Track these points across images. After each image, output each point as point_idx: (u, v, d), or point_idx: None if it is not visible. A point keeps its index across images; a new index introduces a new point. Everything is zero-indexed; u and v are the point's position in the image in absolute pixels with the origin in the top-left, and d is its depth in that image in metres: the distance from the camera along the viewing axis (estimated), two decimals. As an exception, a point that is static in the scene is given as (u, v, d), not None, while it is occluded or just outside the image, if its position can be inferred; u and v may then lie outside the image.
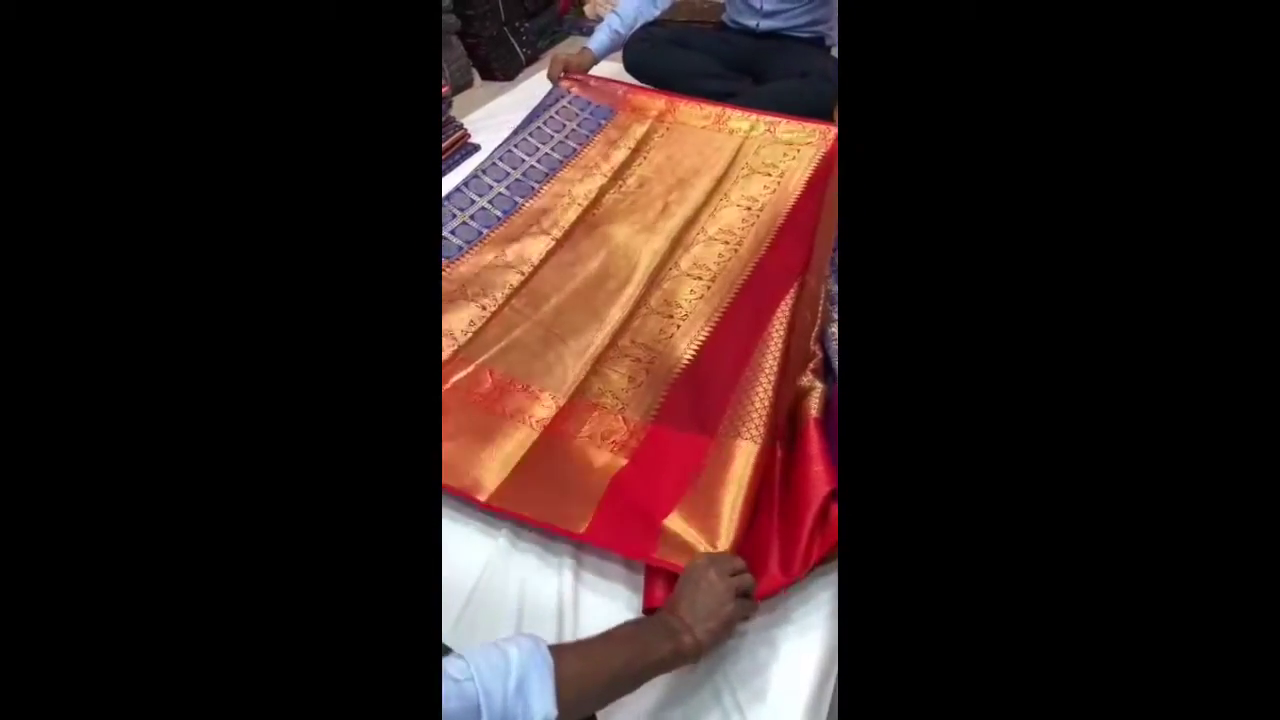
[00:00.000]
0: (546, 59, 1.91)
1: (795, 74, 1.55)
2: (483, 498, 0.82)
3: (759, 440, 0.82)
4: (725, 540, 0.73)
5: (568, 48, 2.23)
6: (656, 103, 1.49)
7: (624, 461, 0.86)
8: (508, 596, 0.76)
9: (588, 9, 2.43)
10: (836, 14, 1.66)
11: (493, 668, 0.51)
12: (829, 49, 1.70)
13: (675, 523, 0.75)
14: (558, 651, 0.55)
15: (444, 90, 1.52)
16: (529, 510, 0.80)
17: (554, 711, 0.52)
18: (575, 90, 1.53)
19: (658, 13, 1.67)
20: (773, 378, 0.88)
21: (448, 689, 0.48)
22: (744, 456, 0.81)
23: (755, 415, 0.85)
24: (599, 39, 1.63)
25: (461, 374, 0.97)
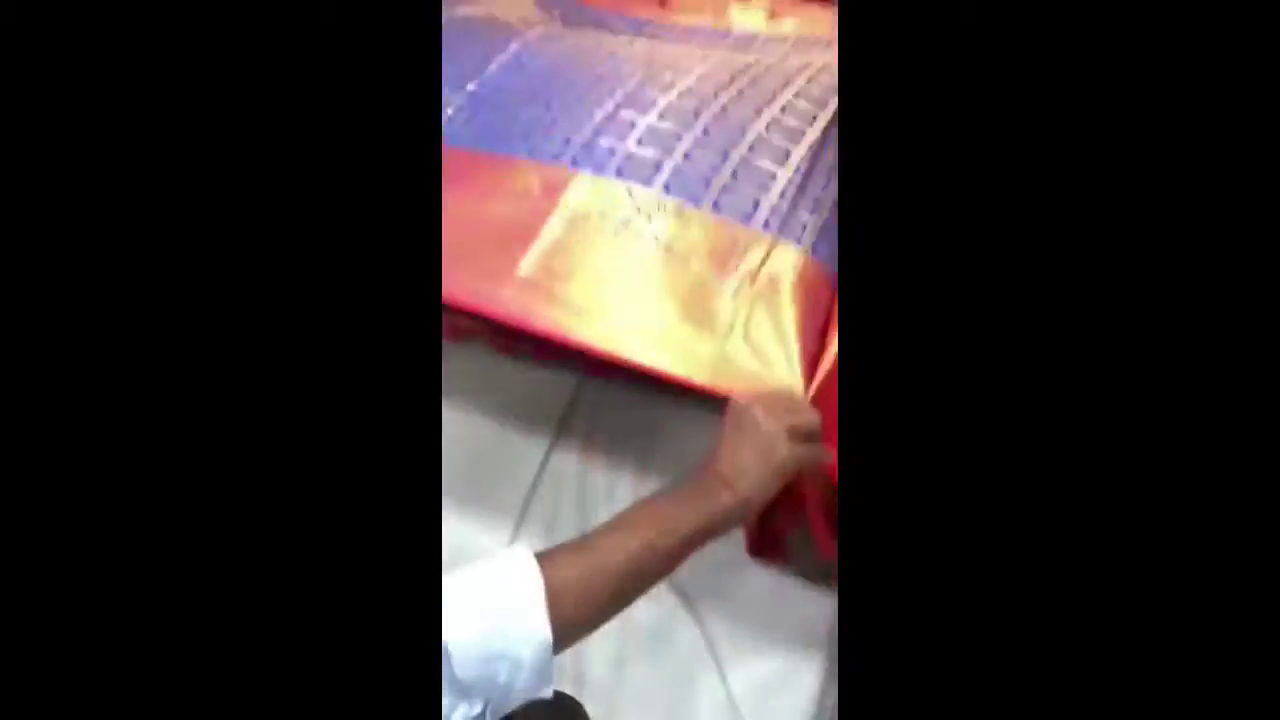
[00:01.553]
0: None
1: None
2: None
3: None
4: (787, 368, 0.57)
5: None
6: None
7: None
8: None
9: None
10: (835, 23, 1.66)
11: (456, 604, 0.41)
12: (828, 57, 1.70)
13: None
14: (548, 557, 0.44)
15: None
16: None
17: (547, 634, 0.41)
18: None
19: None
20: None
21: None
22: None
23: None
24: None
25: None
